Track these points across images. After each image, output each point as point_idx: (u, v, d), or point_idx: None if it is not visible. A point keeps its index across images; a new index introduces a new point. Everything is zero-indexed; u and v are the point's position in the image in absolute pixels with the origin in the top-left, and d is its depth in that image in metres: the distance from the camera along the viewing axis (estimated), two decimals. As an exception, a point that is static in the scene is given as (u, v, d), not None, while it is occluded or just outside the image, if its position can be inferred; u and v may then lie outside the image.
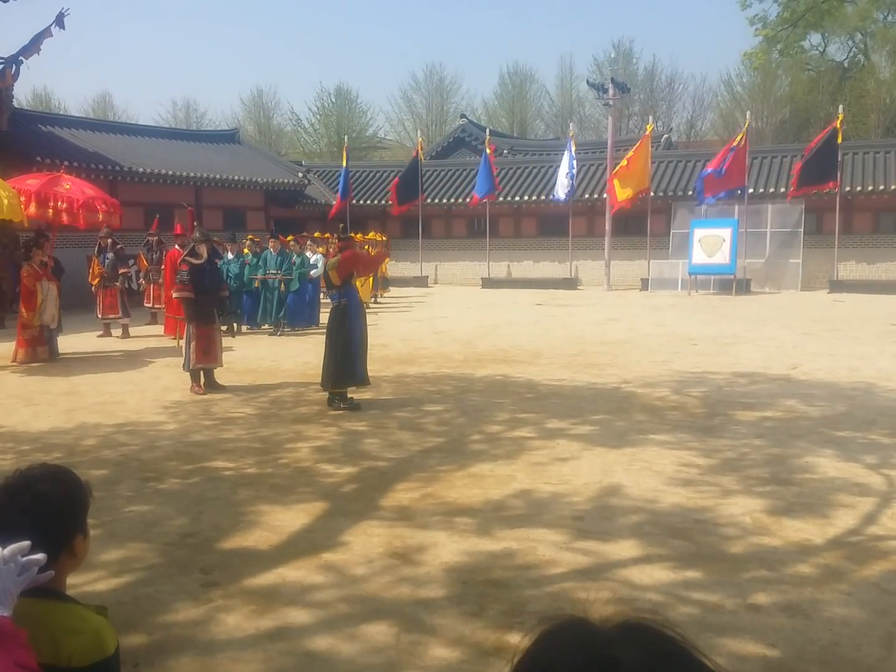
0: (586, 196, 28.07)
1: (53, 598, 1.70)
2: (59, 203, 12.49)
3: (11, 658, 1.44)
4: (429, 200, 29.78)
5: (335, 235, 9.72)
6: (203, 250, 10.10)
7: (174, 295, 10.15)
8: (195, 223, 10.72)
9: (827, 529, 5.13)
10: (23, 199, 11.92)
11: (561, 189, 26.62)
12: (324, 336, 9.50)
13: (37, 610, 1.65)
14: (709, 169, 24.32)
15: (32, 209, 12.25)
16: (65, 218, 12.67)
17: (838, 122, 23.94)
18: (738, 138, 24.91)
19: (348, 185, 29.13)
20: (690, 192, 27.18)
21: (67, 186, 12.90)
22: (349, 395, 8.99)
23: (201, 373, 9.98)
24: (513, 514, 5.45)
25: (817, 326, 15.94)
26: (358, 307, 9.28)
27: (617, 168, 25.47)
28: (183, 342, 10.10)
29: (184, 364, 10.01)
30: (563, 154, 27.49)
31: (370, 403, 9.09)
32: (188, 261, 10.07)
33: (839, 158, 24.01)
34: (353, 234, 22.66)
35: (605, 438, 7.44)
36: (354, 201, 30.31)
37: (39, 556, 1.56)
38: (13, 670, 1.41)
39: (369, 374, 10.69)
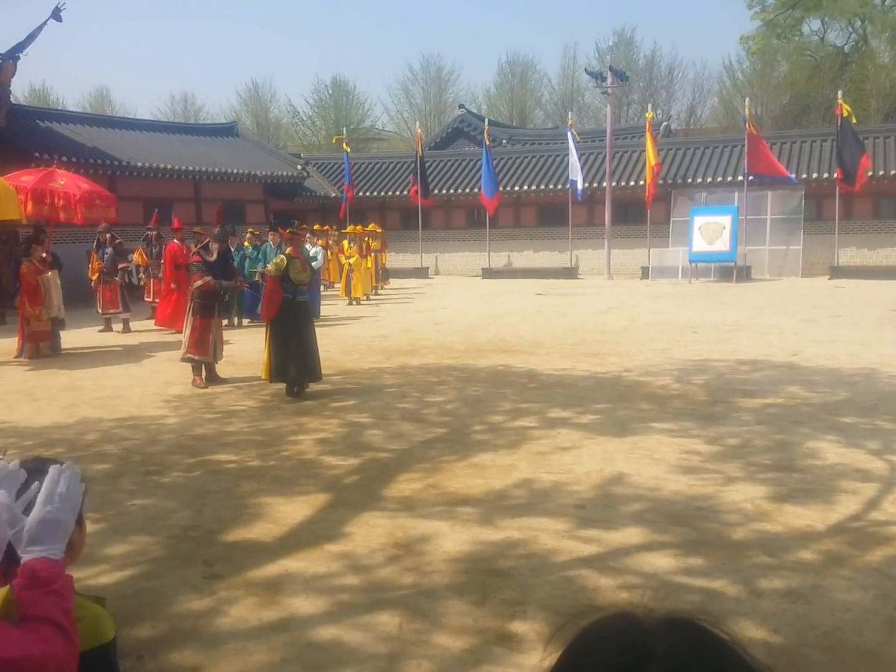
0: (586, 185, 28.00)
1: None
2: (56, 200, 12.48)
3: (26, 610, 1.42)
4: (429, 191, 29.69)
5: (289, 230, 9.80)
6: (215, 249, 10.20)
7: (197, 284, 10.06)
8: (221, 220, 10.71)
9: (829, 515, 5.14)
10: (20, 197, 11.91)
11: (578, 179, 26.34)
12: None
13: None
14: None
15: (30, 207, 12.24)
16: (62, 215, 12.67)
17: (841, 109, 23.72)
18: (750, 128, 24.68)
19: (350, 173, 29.27)
20: (690, 180, 27.16)
21: (62, 182, 12.88)
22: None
23: (202, 365, 10.01)
24: (515, 504, 5.46)
25: (818, 313, 15.93)
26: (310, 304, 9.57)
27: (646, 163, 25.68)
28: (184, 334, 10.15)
29: (182, 353, 10.09)
30: (564, 144, 27.47)
31: (372, 395, 9.10)
32: (200, 253, 10.18)
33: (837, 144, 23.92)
34: (352, 227, 22.78)
35: (606, 427, 7.45)
36: (353, 193, 30.25)
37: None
38: (12, 635, 1.39)
39: (370, 365, 10.84)
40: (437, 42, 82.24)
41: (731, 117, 43.02)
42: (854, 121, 23.54)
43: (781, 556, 4.52)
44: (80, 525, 1.81)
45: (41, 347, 12.46)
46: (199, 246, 10.48)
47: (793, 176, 24.97)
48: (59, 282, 12.77)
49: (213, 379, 10.06)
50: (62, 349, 12.85)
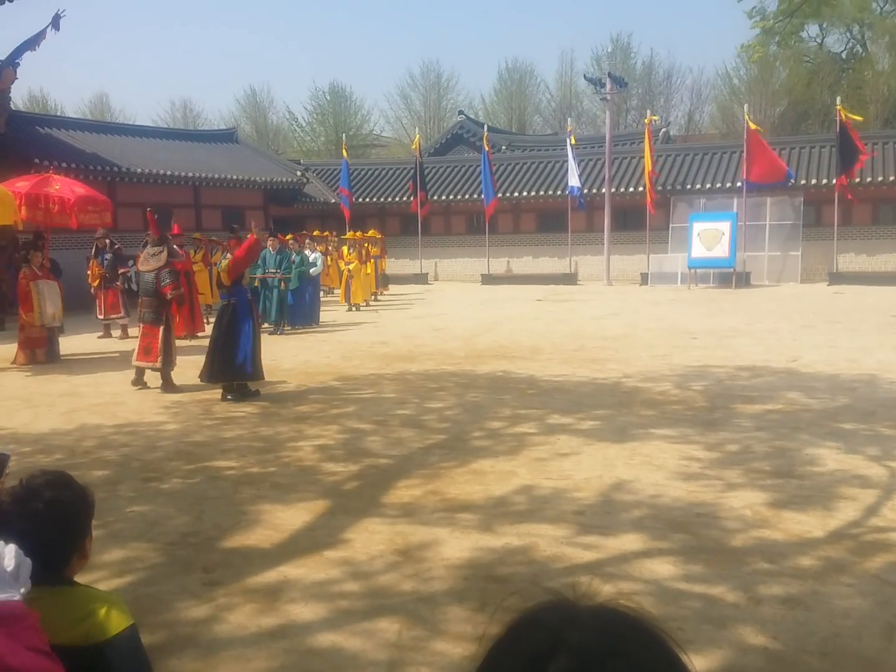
0: (585, 191, 28.05)
1: (68, 584, 1.84)
2: (51, 204, 12.49)
3: (23, 642, 1.46)
4: (427, 197, 29.76)
5: (230, 235, 9.98)
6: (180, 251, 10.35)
7: (171, 294, 10.12)
8: (157, 225, 10.88)
9: (828, 522, 5.13)
10: (16, 202, 11.94)
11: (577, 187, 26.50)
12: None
13: (53, 596, 1.72)
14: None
15: (24, 211, 12.25)
16: (57, 220, 12.68)
17: (842, 114, 23.71)
18: (750, 125, 24.62)
19: (349, 178, 29.34)
20: (689, 186, 27.19)
21: (57, 187, 12.89)
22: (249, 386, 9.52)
23: (145, 371, 10.16)
24: (514, 510, 5.46)
25: (817, 319, 15.94)
26: (247, 306, 9.58)
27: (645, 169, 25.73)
28: (161, 343, 10.11)
29: (165, 363, 10.07)
30: (563, 150, 27.53)
31: (372, 401, 9.10)
32: (172, 262, 10.24)
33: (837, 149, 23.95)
34: (352, 233, 22.83)
35: (606, 433, 7.45)
36: (353, 199, 30.28)
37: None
38: (24, 653, 1.43)
39: (370, 371, 10.85)
40: (436, 48, 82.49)
41: (729, 123, 43.08)
42: (851, 118, 23.48)
43: (781, 562, 4.52)
44: (90, 534, 1.92)
45: (37, 354, 12.45)
46: (167, 255, 10.31)
47: (791, 171, 24.95)
48: (58, 289, 12.75)
49: (141, 382, 10.16)
50: (61, 355, 12.83)
